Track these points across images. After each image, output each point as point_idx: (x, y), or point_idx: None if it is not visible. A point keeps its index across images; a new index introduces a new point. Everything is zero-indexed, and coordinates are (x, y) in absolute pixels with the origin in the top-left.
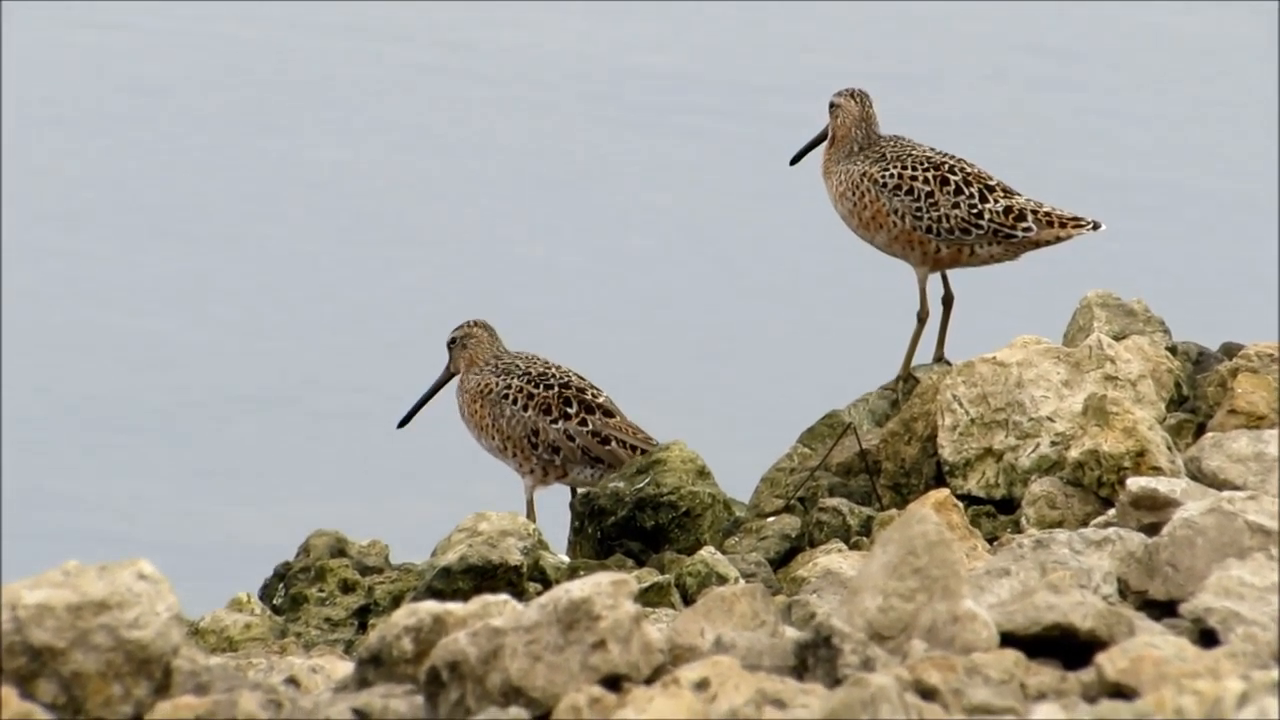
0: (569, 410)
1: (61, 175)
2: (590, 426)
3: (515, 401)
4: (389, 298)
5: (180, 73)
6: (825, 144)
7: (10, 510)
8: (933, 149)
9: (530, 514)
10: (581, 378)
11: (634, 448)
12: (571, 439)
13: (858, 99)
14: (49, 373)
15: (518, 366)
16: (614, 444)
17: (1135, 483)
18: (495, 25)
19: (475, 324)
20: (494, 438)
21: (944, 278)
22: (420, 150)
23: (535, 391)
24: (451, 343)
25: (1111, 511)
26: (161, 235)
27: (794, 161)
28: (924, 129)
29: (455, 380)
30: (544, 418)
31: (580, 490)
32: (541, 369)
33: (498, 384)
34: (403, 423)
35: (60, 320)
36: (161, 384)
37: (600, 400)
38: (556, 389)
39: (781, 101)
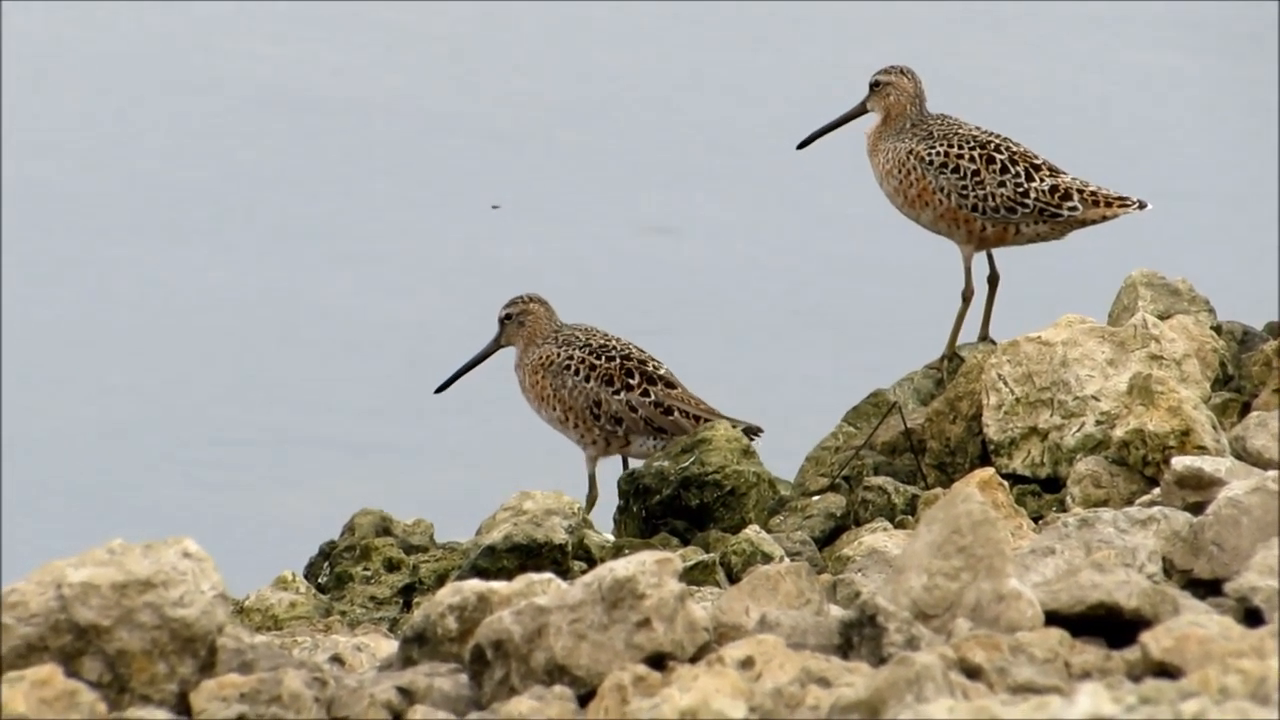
0: (631, 381)
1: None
2: (652, 397)
3: (577, 373)
4: (436, 281)
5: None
6: (875, 121)
7: (53, 487)
8: (979, 128)
9: (592, 486)
10: (641, 349)
11: (697, 418)
12: (634, 410)
13: (909, 75)
14: (87, 351)
15: (578, 338)
16: (677, 414)
17: (1180, 462)
18: None
19: (530, 299)
20: (555, 408)
21: (989, 256)
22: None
23: (597, 363)
24: (506, 318)
25: (1156, 490)
26: (194, 229)
27: (803, 145)
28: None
29: (510, 354)
30: (606, 388)
31: (625, 469)
32: (601, 340)
33: (559, 355)
34: (441, 388)
35: (108, 299)
36: (205, 361)
37: (661, 372)
38: (618, 360)
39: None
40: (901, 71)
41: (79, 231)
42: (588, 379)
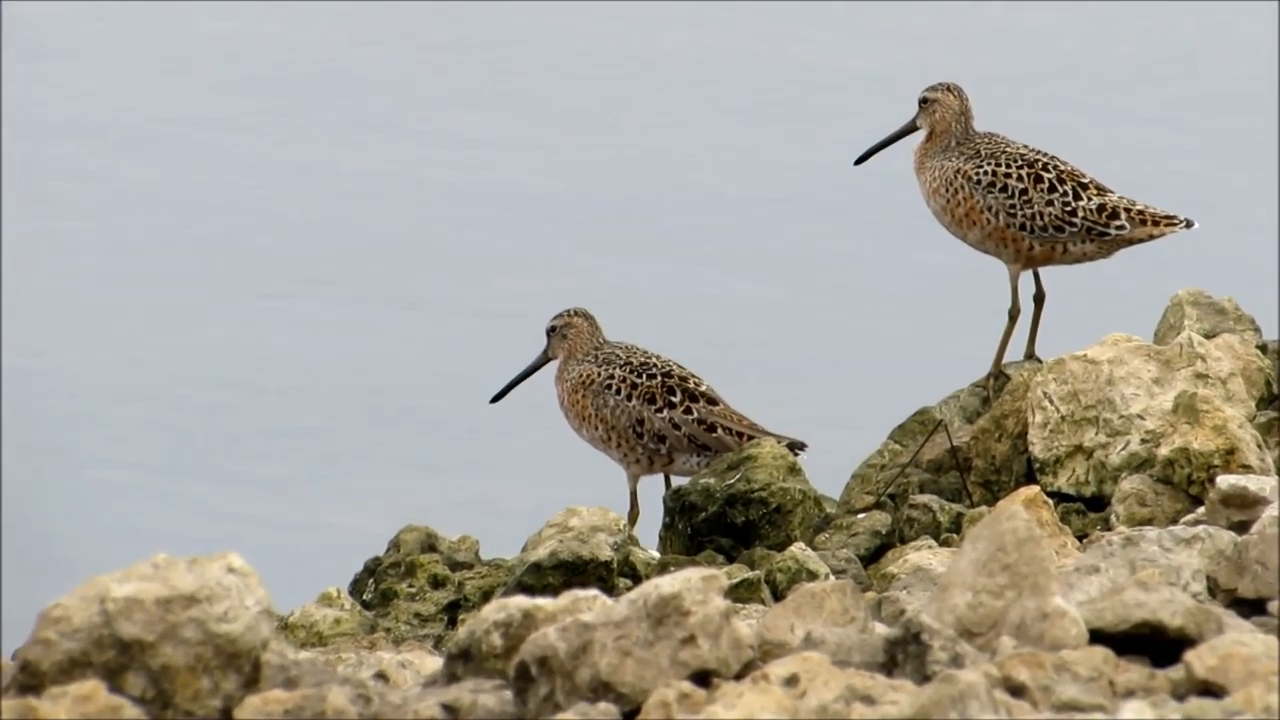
0: (673, 399)
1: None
2: (695, 414)
3: (619, 391)
4: (475, 294)
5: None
6: (918, 139)
7: (101, 502)
8: (1026, 146)
9: (633, 504)
10: (682, 367)
11: (740, 434)
12: (677, 427)
13: (955, 93)
14: (132, 367)
15: (618, 356)
16: (720, 431)
17: (1225, 480)
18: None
19: (575, 313)
20: (597, 428)
21: (1035, 275)
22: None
23: (638, 381)
24: (551, 330)
25: (1201, 509)
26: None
27: (860, 161)
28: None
29: (553, 368)
30: (648, 407)
31: (671, 486)
32: (643, 358)
33: (600, 374)
34: (496, 398)
35: (148, 312)
36: (253, 377)
37: (703, 389)
38: (660, 378)
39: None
40: (948, 88)
41: (93, 240)
42: (629, 397)
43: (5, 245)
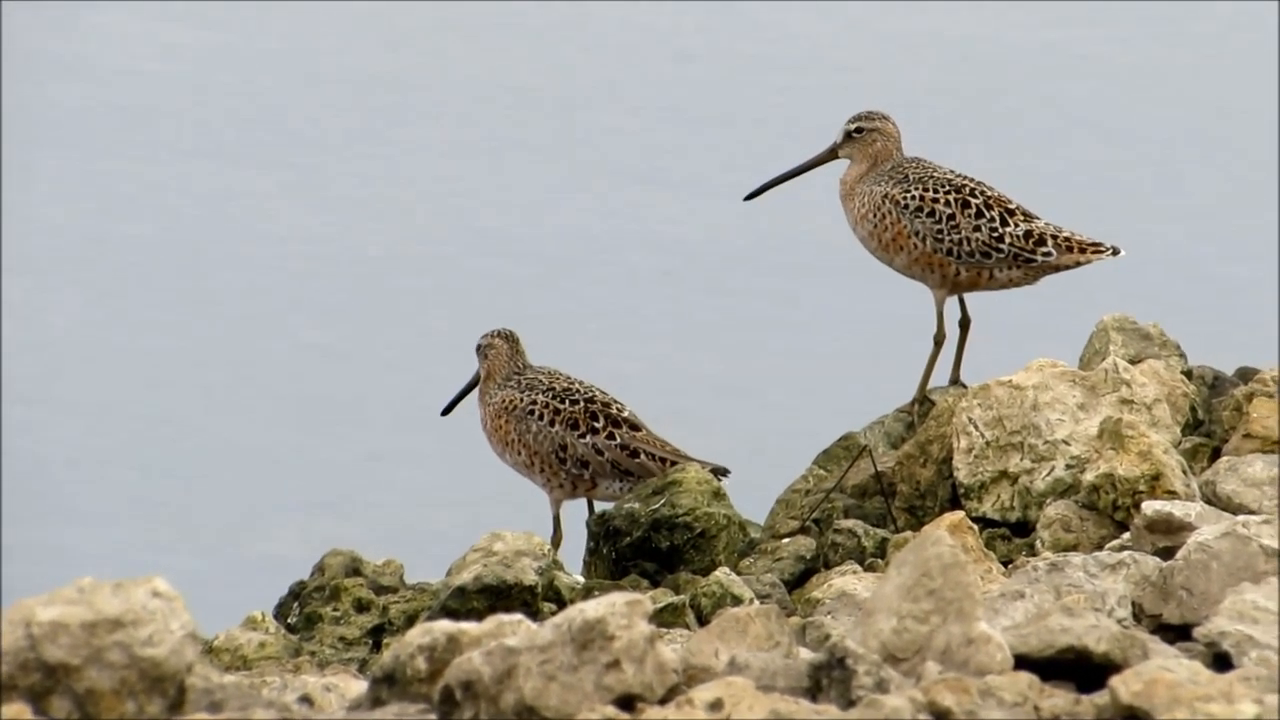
0: (596, 424)
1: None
2: (618, 440)
3: (541, 417)
4: (424, 316)
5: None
6: (851, 166)
7: (24, 526)
8: (953, 171)
9: (557, 529)
10: (604, 392)
11: (663, 459)
12: (600, 453)
13: (892, 120)
14: (55, 385)
15: (541, 382)
16: (643, 456)
17: (1150, 506)
18: None
19: (498, 334)
20: (520, 453)
21: (961, 300)
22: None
23: (561, 406)
24: (478, 348)
25: (1126, 535)
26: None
27: (750, 197)
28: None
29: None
30: (571, 432)
31: (595, 510)
32: (565, 384)
33: (523, 399)
34: (446, 410)
35: (71, 330)
36: (174, 398)
37: (625, 414)
38: (583, 403)
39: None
40: (884, 117)
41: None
42: (552, 423)
43: None
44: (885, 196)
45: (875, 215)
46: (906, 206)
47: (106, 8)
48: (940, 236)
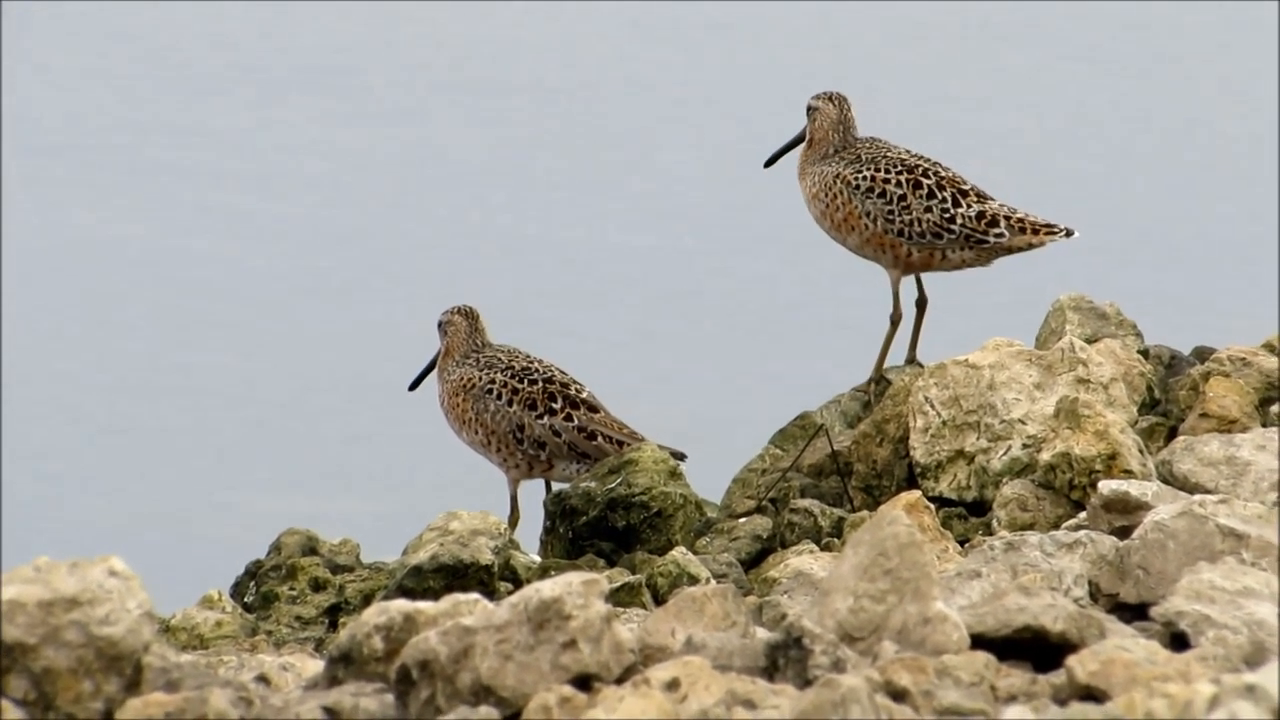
0: (554, 405)
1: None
2: (576, 422)
3: (500, 396)
4: (376, 295)
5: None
6: (802, 146)
7: None
8: (908, 151)
9: (514, 508)
10: (564, 372)
11: (620, 442)
12: (558, 434)
13: (835, 102)
14: (24, 369)
15: (500, 360)
16: (600, 439)
17: (1107, 486)
18: None
19: (457, 311)
20: (477, 432)
21: (918, 280)
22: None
23: (520, 386)
24: (439, 325)
25: (1083, 514)
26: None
27: (768, 164)
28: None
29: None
30: (529, 413)
31: (552, 490)
32: (524, 363)
33: (481, 378)
34: (413, 385)
35: (54, 318)
36: (137, 380)
37: (584, 395)
38: (541, 384)
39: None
40: (829, 98)
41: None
42: (510, 403)
43: None
44: (837, 176)
45: (827, 195)
46: (858, 187)
47: (107, 8)
48: (891, 217)
